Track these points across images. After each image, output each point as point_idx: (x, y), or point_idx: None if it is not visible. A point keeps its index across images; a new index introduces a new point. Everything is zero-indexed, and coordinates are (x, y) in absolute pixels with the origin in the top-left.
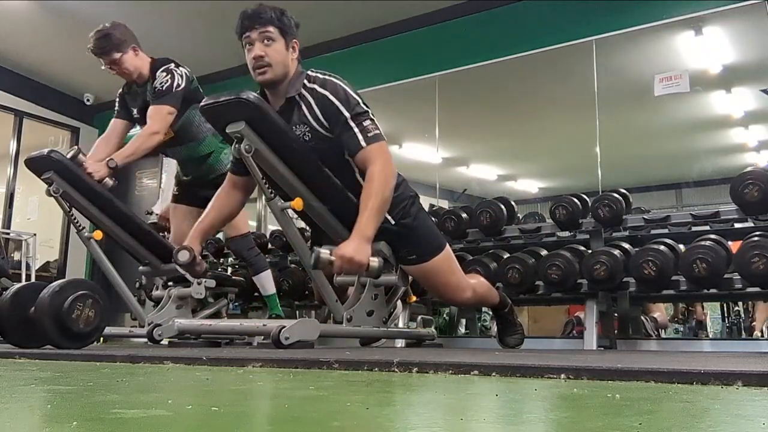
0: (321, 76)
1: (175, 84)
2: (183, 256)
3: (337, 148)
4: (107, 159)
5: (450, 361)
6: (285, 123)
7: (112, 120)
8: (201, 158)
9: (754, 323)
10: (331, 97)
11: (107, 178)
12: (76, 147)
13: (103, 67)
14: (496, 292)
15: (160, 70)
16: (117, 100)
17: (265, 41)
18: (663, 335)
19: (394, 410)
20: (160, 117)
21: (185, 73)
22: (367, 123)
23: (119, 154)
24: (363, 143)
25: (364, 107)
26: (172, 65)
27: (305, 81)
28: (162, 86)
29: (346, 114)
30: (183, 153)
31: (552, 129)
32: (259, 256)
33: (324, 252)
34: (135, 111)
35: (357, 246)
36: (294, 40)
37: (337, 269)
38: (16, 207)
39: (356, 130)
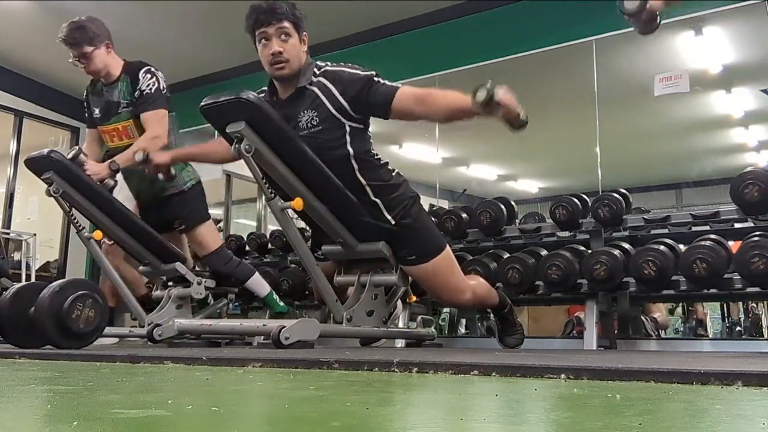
0: (329, 63)
1: (161, 86)
2: (138, 157)
3: (338, 140)
4: (109, 161)
5: (450, 361)
6: (286, 123)
7: (87, 130)
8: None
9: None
10: (350, 70)
11: (108, 179)
12: (77, 147)
13: (70, 60)
14: (496, 293)
15: (143, 71)
16: (84, 105)
17: (282, 36)
18: (663, 335)
19: (394, 410)
20: (158, 120)
21: (164, 77)
22: (386, 80)
23: (121, 156)
24: (398, 85)
25: None
26: (153, 68)
27: (315, 70)
28: (151, 89)
29: (370, 73)
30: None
31: (552, 129)
32: (241, 265)
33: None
34: (96, 111)
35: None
36: (304, 33)
37: (503, 100)
38: (16, 207)
39: (384, 81)
